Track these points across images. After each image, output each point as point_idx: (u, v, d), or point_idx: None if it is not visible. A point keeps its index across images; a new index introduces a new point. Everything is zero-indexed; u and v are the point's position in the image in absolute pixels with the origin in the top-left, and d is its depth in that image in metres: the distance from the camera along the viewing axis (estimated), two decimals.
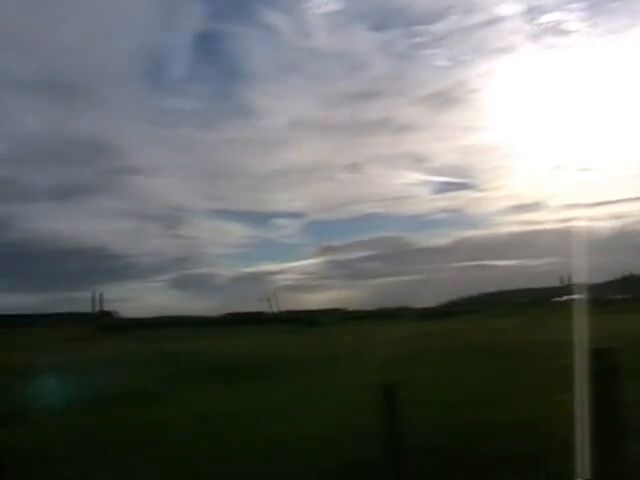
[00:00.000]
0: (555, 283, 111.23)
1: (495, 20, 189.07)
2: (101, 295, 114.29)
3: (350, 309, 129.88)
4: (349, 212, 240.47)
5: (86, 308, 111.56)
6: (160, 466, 6.70)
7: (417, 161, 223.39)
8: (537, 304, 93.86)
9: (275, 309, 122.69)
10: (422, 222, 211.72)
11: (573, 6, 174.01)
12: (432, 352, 25.14)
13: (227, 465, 6.53)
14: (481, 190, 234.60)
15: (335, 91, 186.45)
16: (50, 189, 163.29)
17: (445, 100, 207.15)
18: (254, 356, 29.05)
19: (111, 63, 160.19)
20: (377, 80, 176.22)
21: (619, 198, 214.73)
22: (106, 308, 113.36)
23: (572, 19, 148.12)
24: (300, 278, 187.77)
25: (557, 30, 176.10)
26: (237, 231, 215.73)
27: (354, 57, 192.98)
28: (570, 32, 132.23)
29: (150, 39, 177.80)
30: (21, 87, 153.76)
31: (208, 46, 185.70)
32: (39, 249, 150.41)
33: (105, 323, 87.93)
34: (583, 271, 5.83)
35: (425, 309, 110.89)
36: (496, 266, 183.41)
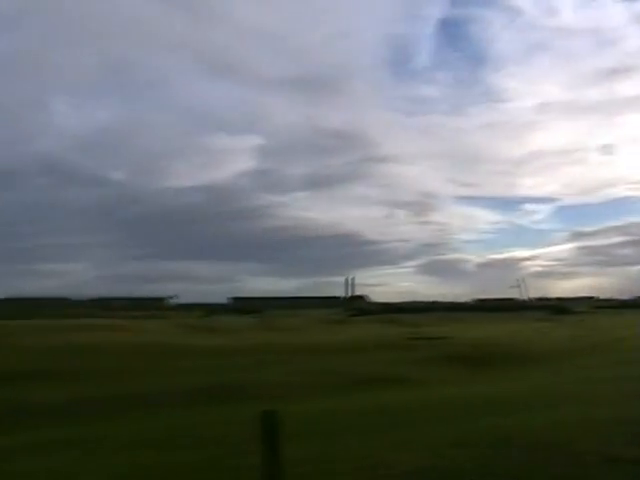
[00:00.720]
0: None
1: None
2: (353, 279, 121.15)
3: (602, 297, 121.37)
4: (602, 196, 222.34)
5: (339, 292, 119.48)
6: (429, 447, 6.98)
7: None
8: None
9: (525, 296, 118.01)
10: None
11: None
12: None
13: (475, 449, 6.56)
14: None
15: (585, 69, 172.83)
16: (306, 179, 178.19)
17: None
18: (507, 342, 28.55)
19: (358, 56, 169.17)
20: (630, 55, 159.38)
21: None
22: (357, 292, 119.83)
23: None
24: (550, 264, 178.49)
25: None
26: (486, 217, 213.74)
27: (604, 32, 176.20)
28: None
29: (394, 30, 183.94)
30: (277, 84, 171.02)
31: (451, 32, 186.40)
32: (297, 236, 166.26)
33: (356, 306, 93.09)
34: None
35: None
36: None
